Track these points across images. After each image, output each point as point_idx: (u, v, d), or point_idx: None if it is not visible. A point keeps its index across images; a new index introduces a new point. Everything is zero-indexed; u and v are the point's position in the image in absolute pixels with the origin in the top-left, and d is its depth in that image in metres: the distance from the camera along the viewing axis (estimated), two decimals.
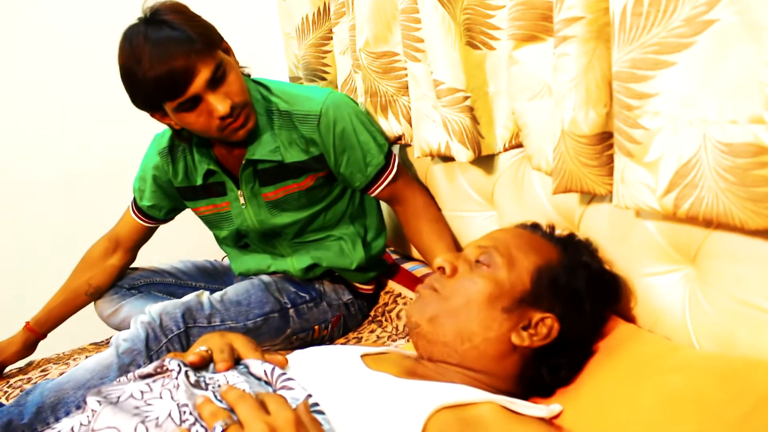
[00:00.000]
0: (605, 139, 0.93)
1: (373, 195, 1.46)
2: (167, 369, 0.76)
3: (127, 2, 1.29)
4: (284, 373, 0.77)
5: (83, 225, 1.83)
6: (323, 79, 1.83)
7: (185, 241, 1.92)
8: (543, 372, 0.89)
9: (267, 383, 0.78)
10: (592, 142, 0.93)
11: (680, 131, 0.78)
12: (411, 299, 1.54)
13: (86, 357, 1.55)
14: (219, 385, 0.74)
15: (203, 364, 0.79)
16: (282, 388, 0.75)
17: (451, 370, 0.89)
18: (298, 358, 0.91)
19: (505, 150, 1.27)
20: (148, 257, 1.69)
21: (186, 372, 0.73)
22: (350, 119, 1.38)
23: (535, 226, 1.01)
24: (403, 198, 1.48)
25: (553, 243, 0.96)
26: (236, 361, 0.84)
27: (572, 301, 0.90)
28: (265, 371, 0.78)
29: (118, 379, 0.81)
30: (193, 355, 0.79)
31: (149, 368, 0.77)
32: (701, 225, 0.87)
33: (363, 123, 1.40)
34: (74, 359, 1.59)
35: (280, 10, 1.90)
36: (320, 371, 0.85)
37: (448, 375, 0.88)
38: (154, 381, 0.75)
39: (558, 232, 1.01)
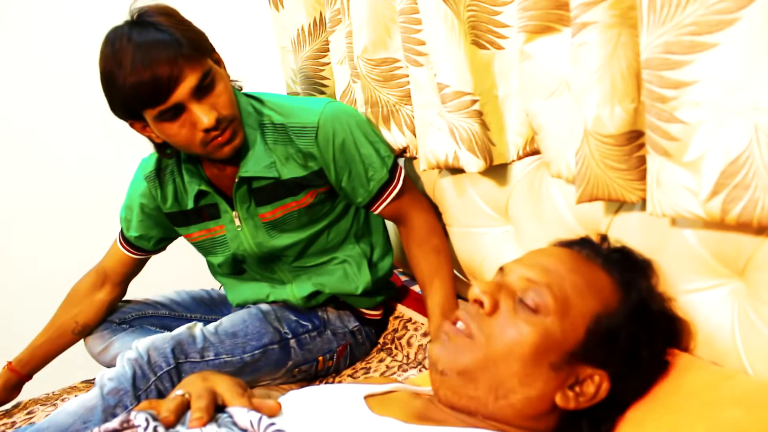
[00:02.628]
0: (634, 138, 0.83)
1: (376, 212, 1.36)
2: (134, 425, 0.65)
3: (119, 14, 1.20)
4: (273, 423, 0.66)
5: (72, 255, 1.74)
6: (322, 92, 1.74)
7: (179, 269, 1.82)
8: (582, 426, 0.77)
9: None
10: (620, 142, 0.82)
11: (726, 123, 0.68)
12: (422, 324, 1.43)
13: (76, 397, 1.46)
14: None
15: (178, 418, 0.68)
16: None
17: (474, 418, 0.76)
18: (292, 401, 0.79)
19: (519, 158, 1.17)
20: (140, 288, 1.59)
21: (155, 428, 0.63)
22: (350, 130, 1.28)
23: (586, 244, 0.86)
24: (408, 218, 1.37)
25: (612, 274, 0.80)
26: (221, 408, 0.73)
27: (630, 360, 0.77)
28: (251, 422, 0.67)
29: None
30: (167, 410, 0.68)
31: (115, 423, 0.67)
32: (753, 232, 0.76)
33: (365, 133, 1.30)
34: (63, 399, 1.50)
35: (274, 22, 1.82)
36: (317, 418, 0.74)
37: (468, 422, 0.76)
38: None
39: (612, 246, 0.88)
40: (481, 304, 0.77)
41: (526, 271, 0.78)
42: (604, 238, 0.88)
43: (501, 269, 0.83)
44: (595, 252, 0.83)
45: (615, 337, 0.75)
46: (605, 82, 0.80)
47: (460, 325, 0.78)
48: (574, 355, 0.74)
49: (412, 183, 1.40)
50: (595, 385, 0.75)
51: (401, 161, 1.48)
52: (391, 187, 1.33)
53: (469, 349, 0.75)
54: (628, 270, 0.82)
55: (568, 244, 0.87)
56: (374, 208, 1.35)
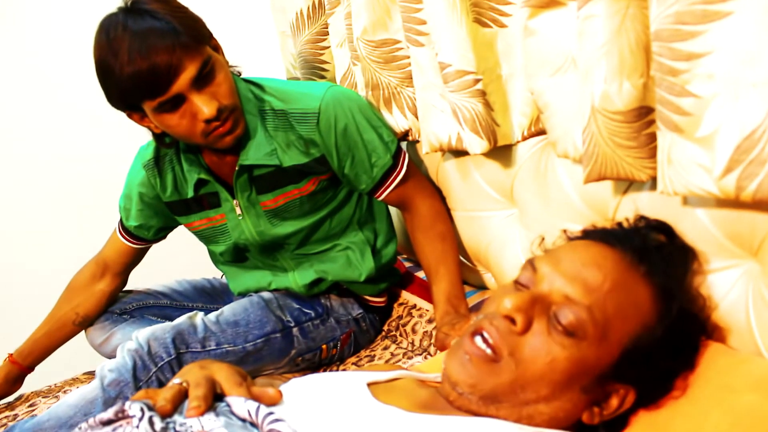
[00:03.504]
0: (644, 114, 0.80)
1: (380, 198, 1.33)
2: (128, 415, 0.63)
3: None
4: (271, 413, 0.64)
5: (72, 245, 1.72)
6: (322, 77, 1.71)
7: (180, 259, 1.80)
8: (599, 428, 0.74)
9: (253, 425, 0.65)
10: (629, 118, 0.79)
11: (741, 96, 0.65)
12: (427, 310, 1.41)
13: (77, 389, 1.45)
14: None
15: (176, 407, 0.66)
16: (269, 431, 0.62)
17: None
18: (294, 389, 0.77)
19: (524, 139, 1.14)
20: (141, 278, 1.57)
21: (150, 418, 0.61)
22: (353, 115, 1.25)
23: (627, 241, 0.76)
24: (412, 204, 1.35)
25: (654, 284, 0.73)
26: (220, 397, 0.71)
27: (662, 375, 0.73)
28: (249, 411, 0.65)
29: (78, 426, 0.68)
30: (164, 399, 0.66)
31: (109, 413, 0.65)
32: None
33: (368, 118, 1.28)
34: (65, 391, 1.48)
35: (273, 6, 1.78)
36: (318, 406, 0.72)
37: (476, 413, 0.73)
38: (114, 429, 0.63)
39: (653, 224, 0.82)
40: (512, 320, 0.70)
41: (566, 286, 0.71)
42: (645, 221, 0.82)
43: (533, 267, 0.75)
44: (639, 256, 0.74)
45: (650, 357, 0.71)
46: (613, 57, 0.77)
47: (482, 341, 0.71)
48: (606, 376, 0.70)
49: (417, 168, 1.37)
50: (620, 398, 0.72)
51: (404, 145, 1.45)
52: (395, 173, 1.30)
53: (495, 374, 0.69)
54: (671, 277, 0.75)
55: (607, 239, 0.77)
56: (378, 194, 1.32)
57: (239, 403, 0.66)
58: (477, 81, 1.07)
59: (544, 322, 0.70)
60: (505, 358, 0.69)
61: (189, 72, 1.07)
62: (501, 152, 1.18)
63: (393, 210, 1.54)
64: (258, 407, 0.65)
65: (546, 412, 0.70)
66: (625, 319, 0.70)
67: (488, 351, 0.70)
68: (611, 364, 0.70)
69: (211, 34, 1.17)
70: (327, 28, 1.60)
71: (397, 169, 1.31)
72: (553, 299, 0.71)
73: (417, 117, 1.33)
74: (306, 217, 1.32)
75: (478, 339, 0.71)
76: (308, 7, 1.64)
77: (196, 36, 1.10)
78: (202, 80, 1.10)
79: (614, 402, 0.72)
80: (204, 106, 1.10)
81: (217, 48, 1.18)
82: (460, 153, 1.28)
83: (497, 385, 0.69)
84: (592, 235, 0.82)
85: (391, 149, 1.30)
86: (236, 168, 1.24)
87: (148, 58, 1.04)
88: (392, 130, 1.35)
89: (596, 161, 0.84)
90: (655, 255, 0.75)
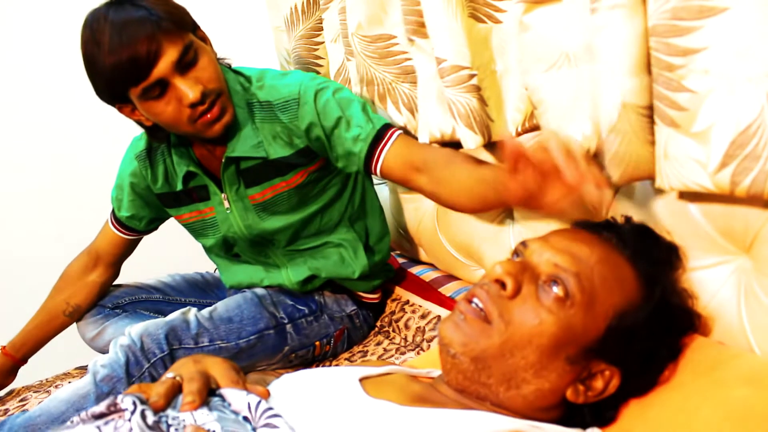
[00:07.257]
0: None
1: (378, 172, 1.23)
2: (121, 408, 0.62)
3: None
4: (270, 408, 0.64)
5: (65, 237, 1.71)
6: (317, 72, 1.70)
7: (173, 252, 1.79)
8: (585, 413, 0.74)
9: (246, 419, 0.64)
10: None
11: (736, 91, 0.66)
12: (420, 306, 1.40)
13: (69, 384, 1.44)
14: (183, 426, 0.60)
15: (169, 401, 0.66)
16: (265, 425, 0.62)
17: (478, 403, 0.73)
18: (286, 384, 0.77)
19: (518, 134, 1.13)
20: (133, 272, 1.56)
21: (143, 412, 0.60)
22: (332, 94, 1.23)
23: (614, 230, 0.79)
24: (419, 162, 1.18)
25: (638, 268, 0.74)
26: (212, 392, 0.71)
27: (645, 358, 0.74)
28: (249, 404, 0.64)
29: (70, 420, 0.68)
30: (157, 394, 0.66)
31: (101, 407, 0.64)
32: (762, 205, 0.73)
33: (347, 97, 1.23)
34: (56, 386, 1.48)
35: (267, 1, 1.78)
36: (312, 401, 0.72)
37: (470, 405, 0.73)
38: (105, 423, 0.62)
39: (637, 228, 0.82)
40: (502, 284, 0.72)
41: (555, 256, 0.73)
42: (628, 219, 0.83)
43: (524, 244, 0.78)
44: (623, 242, 0.76)
45: (634, 336, 0.72)
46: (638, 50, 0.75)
47: (476, 304, 0.73)
48: (592, 350, 0.71)
49: (414, 138, 1.29)
50: (605, 380, 0.72)
51: None
52: (385, 138, 1.20)
53: (486, 334, 0.71)
54: (654, 263, 0.77)
55: (595, 228, 0.80)
56: (374, 167, 1.22)
57: (240, 397, 0.66)
58: (472, 76, 1.07)
59: (534, 288, 0.72)
60: (496, 320, 0.71)
61: (169, 56, 1.07)
62: (495, 147, 1.17)
63: (386, 206, 1.53)
64: (259, 402, 0.64)
65: (533, 382, 0.71)
66: (610, 292, 0.72)
67: (480, 310, 0.72)
68: (597, 338, 0.71)
69: (196, 25, 1.16)
70: (321, 23, 1.59)
71: (385, 135, 1.21)
72: (542, 269, 0.73)
73: (412, 112, 1.33)
74: (295, 212, 1.30)
75: (472, 304, 0.73)
76: (302, 3, 1.63)
77: (177, 22, 1.10)
78: (185, 65, 1.10)
79: (599, 383, 0.72)
80: (188, 89, 1.09)
81: (204, 39, 1.18)
82: (455, 147, 1.28)
83: (488, 346, 0.70)
84: (580, 224, 0.84)
85: (374, 120, 1.22)
86: (222, 160, 1.23)
87: (129, 45, 1.04)
88: (375, 109, 1.32)
89: (629, 163, 0.81)
90: (639, 244, 0.77)
